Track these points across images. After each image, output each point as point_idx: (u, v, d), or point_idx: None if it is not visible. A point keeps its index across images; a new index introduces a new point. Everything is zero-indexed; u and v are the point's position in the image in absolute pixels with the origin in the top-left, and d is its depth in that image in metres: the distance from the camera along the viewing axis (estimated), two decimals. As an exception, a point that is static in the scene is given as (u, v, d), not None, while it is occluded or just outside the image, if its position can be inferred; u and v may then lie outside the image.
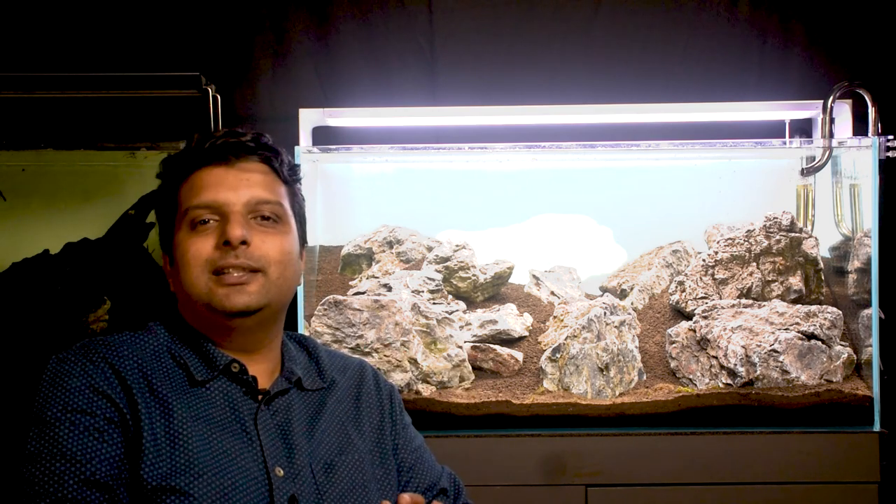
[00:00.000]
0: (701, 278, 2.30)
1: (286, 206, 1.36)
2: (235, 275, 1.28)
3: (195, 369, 1.29)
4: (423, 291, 2.28)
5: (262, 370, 1.34)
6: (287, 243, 1.34)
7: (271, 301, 1.31)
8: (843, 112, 2.27)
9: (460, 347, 2.18)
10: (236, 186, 1.31)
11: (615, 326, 2.19)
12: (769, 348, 2.09)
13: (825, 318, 2.14)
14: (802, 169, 2.36)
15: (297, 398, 1.36)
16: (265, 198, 1.32)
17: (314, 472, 1.29)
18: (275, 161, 1.36)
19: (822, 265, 2.28)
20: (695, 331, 2.20)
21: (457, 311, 2.30)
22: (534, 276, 2.45)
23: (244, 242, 1.28)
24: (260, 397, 1.31)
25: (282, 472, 1.26)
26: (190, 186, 1.33)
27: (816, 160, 2.30)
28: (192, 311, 1.32)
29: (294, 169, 1.41)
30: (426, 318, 2.17)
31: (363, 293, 2.26)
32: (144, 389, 1.24)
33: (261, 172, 1.34)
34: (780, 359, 2.08)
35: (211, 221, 1.30)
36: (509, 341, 2.25)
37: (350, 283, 2.41)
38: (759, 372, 2.08)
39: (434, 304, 2.27)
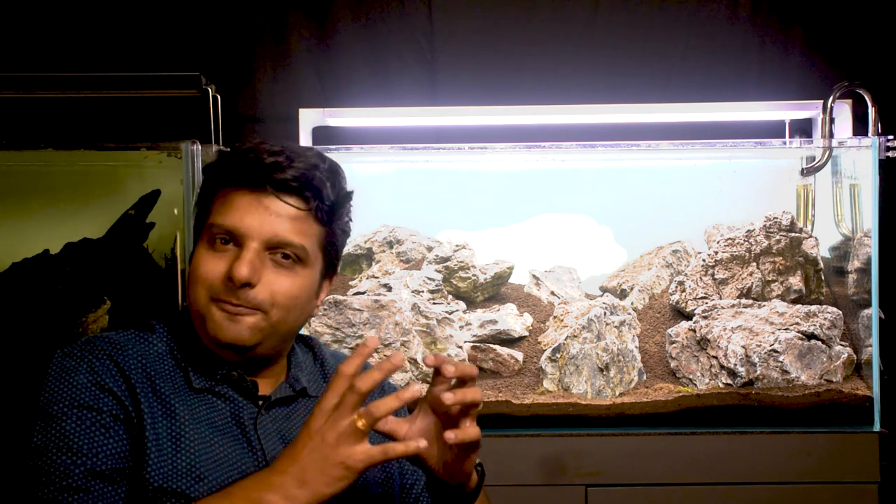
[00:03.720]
0: (701, 278, 2.30)
1: (313, 247, 1.29)
2: (234, 307, 1.24)
3: (194, 378, 1.28)
4: (423, 291, 2.28)
5: (265, 381, 1.33)
6: (297, 287, 1.28)
7: (265, 340, 1.27)
8: (843, 112, 2.28)
9: (460, 347, 2.18)
10: (262, 220, 1.25)
11: (615, 326, 2.19)
12: (769, 348, 2.09)
13: (825, 318, 2.14)
14: (802, 169, 2.36)
15: (299, 402, 1.35)
16: (288, 240, 1.26)
17: (314, 476, 1.29)
18: (312, 202, 1.27)
19: (822, 265, 2.29)
20: (695, 331, 2.20)
21: (457, 311, 2.30)
22: (534, 276, 2.45)
23: (248, 284, 1.24)
24: (260, 402, 1.30)
25: None
26: (222, 201, 1.28)
27: (816, 160, 2.30)
28: (197, 317, 1.31)
29: (339, 205, 1.31)
30: (426, 318, 2.17)
31: (363, 293, 2.26)
32: (148, 390, 1.24)
33: (292, 215, 1.26)
34: (780, 359, 2.08)
35: (230, 244, 1.26)
36: (509, 341, 2.25)
37: (350, 283, 2.41)
38: (759, 372, 2.08)
39: (434, 304, 2.27)
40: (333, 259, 1.36)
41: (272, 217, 1.26)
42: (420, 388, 1.12)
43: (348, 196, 1.34)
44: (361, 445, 1.11)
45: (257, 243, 1.25)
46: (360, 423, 1.11)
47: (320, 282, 1.34)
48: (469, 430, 1.18)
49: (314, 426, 1.12)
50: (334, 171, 1.31)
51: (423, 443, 1.14)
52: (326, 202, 1.29)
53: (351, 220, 1.37)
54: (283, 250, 1.26)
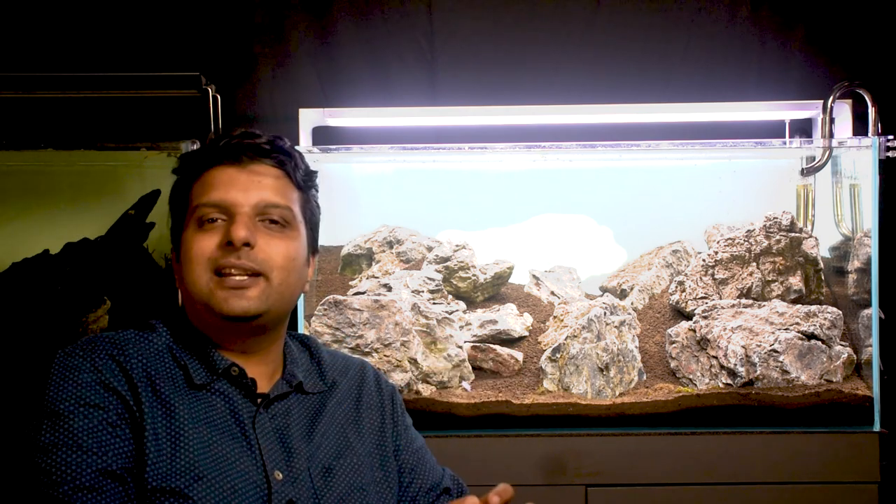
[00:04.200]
0: (701, 278, 2.30)
1: (296, 211, 1.34)
2: (237, 278, 1.27)
3: (195, 372, 1.28)
4: (423, 291, 2.28)
5: (263, 372, 1.34)
6: (293, 249, 1.32)
7: (271, 307, 1.30)
8: (843, 112, 2.27)
9: (460, 347, 2.18)
10: (246, 188, 1.30)
11: (615, 326, 2.19)
12: (769, 348, 2.09)
13: (825, 318, 2.14)
14: (802, 169, 2.36)
15: (296, 401, 1.35)
16: (274, 201, 1.31)
17: (312, 476, 1.29)
18: (288, 165, 1.34)
19: (822, 265, 2.28)
20: (695, 331, 2.20)
21: (457, 311, 2.30)
22: (534, 276, 2.45)
23: (247, 244, 1.27)
24: (259, 401, 1.31)
25: (281, 475, 1.25)
26: (201, 184, 1.32)
27: (816, 160, 2.30)
28: (194, 309, 1.31)
29: (309, 174, 1.39)
30: (426, 318, 2.17)
31: (363, 293, 2.26)
32: (148, 389, 1.24)
33: (273, 176, 1.33)
34: (780, 359, 2.08)
35: (218, 220, 1.29)
36: (509, 341, 2.25)
37: (350, 283, 2.41)
38: (759, 372, 2.08)
39: (434, 304, 2.27)
40: (314, 232, 1.41)
41: (256, 181, 1.31)
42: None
43: (314, 172, 1.41)
44: None
45: (248, 208, 1.29)
46: None
47: (307, 254, 1.38)
48: None
49: None
50: (294, 147, 1.39)
51: None
52: (300, 165, 1.37)
53: (319, 206, 1.43)
54: (270, 215, 1.31)
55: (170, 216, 1.38)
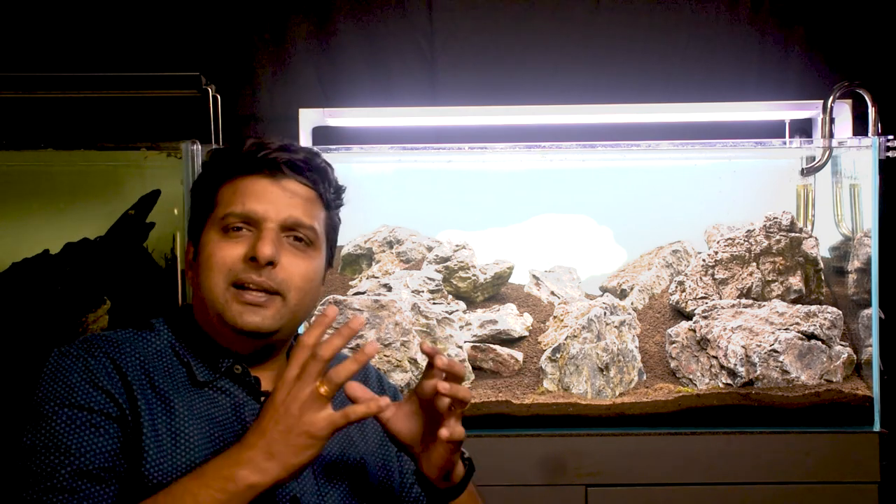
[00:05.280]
0: (701, 278, 2.30)
1: (320, 231, 1.34)
2: (254, 294, 1.26)
3: (198, 370, 1.28)
4: (423, 291, 2.28)
5: (268, 376, 1.34)
6: (312, 270, 1.32)
7: (284, 326, 1.29)
8: (843, 112, 2.28)
9: (460, 347, 2.18)
10: (277, 203, 1.29)
11: (615, 326, 2.19)
12: (769, 348, 2.09)
13: (825, 318, 2.14)
14: (802, 169, 2.36)
15: None
16: (303, 221, 1.30)
17: (315, 473, 1.29)
18: (321, 185, 1.34)
19: (822, 265, 2.29)
20: (695, 331, 2.20)
21: (457, 311, 2.30)
22: (534, 276, 2.45)
23: (271, 263, 1.26)
24: (263, 399, 1.30)
25: None
26: (232, 190, 1.30)
27: (816, 160, 2.30)
28: (205, 313, 1.31)
29: (338, 193, 1.39)
30: (426, 318, 2.17)
31: (363, 293, 2.26)
32: (146, 387, 1.24)
33: (304, 194, 1.32)
34: (780, 359, 2.08)
35: (244, 230, 1.28)
36: (509, 341, 2.25)
37: (350, 283, 2.41)
38: (759, 372, 2.08)
39: (434, 304, 2.27)
40: (332, 249, 1.41)
41: (287, 197, 1.30)
42: (377, 345, 1.15)
43: (342, 188, 1.40)
44: (324, 412, 1.13)
45: (275, 224, 1.28)
46: (323, 390, 1.13)
47: (324, 272, 1.38)
48: (457, 428, 1.25)
49: (278, 398, 1.14)
50: (328, 163, 1.38)
51: (384, 401, 1.16)
52: (332, 183, 1.36)
53: (341, 221, 1.43)
54: (296, 232, 1.30)
55: (191, 208, 1.37)
